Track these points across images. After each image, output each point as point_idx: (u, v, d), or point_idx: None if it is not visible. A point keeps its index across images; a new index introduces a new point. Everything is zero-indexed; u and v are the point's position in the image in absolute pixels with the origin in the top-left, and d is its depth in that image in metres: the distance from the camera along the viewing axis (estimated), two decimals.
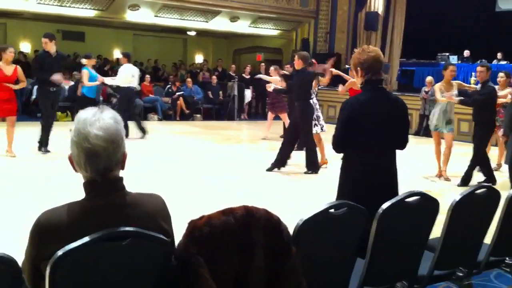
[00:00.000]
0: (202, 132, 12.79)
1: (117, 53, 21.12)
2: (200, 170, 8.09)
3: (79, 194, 1.88)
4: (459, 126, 13.32)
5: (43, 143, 8.67)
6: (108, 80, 11.40)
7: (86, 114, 1.84)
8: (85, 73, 10.49)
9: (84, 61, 10.90)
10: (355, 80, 9.79)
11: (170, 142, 11.15)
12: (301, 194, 6.68)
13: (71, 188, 6.75)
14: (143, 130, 11.18)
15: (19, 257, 1.74)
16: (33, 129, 8.75)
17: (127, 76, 11.12)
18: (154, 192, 2.04)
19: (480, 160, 7.52)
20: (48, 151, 8.66)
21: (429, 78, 13.64)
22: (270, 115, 11.64)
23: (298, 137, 8.10)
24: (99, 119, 1.81)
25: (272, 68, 11.01)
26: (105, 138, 1.79)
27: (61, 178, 7.05)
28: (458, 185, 7.36)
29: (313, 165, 7.93)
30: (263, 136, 11.75)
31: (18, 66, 8.33)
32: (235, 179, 7.58)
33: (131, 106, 11.45)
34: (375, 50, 3.36)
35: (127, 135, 11.01)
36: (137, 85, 11.65)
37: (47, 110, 8.68)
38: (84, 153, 1.79)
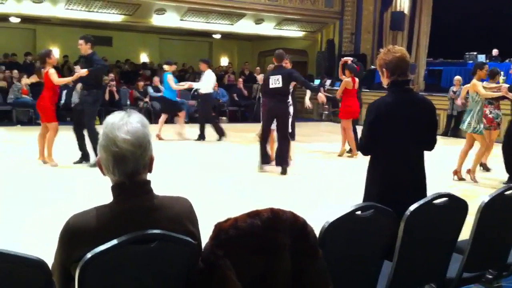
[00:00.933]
0: (227, 135, 12.78)
1: (143, 57, 21.35)
2: (213, 170, 8.16)
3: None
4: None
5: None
6: (195, 85, 11.99)
7: (114, 118, 1.86)
8: (170, 78, 11.39)
9: (166, 67, 11.72)
10: (348, 80, 10.00)
11: (194, 144, 11.22)
12: (301, 195, 6.64)
13: (71, 188, 6.85)
14: (221, 132, 11.67)
15: None
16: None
17: (211, 82, 11.69)
18: (176, 194, 2.07)
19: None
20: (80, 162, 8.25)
21: (457, 77, 13.44)
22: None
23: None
24: (127, 123, 1.83)
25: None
26: (133, 142, 1.81)
27: (62, 178, 7.15)
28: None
29: (283, 160, 8.01)
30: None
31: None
32: (235, 179, 7.59)
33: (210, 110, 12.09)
34: (400, 50, 3.32)
35: (203, 138, 11.42)
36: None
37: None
38: (112, 156, 1.82)
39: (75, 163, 8.19)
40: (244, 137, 12.32)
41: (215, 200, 6.03)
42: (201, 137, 11.60)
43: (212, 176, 7.74)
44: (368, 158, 3.48)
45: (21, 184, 6.78)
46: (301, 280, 2.02)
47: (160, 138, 11.26)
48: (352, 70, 9.75)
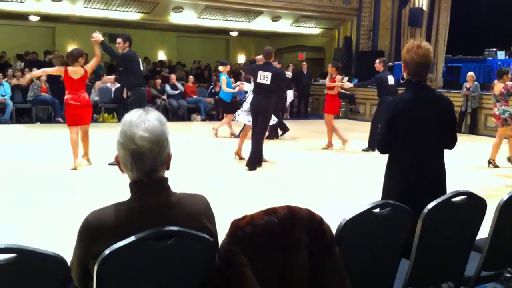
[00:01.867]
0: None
1: (161, 55, 21.43)
2: (215, 170, 8.09)
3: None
4: (486, 121, 13.21)
5: None
6: (247, 87, 11.98)
7: (132, 116, 1.87)
8: (223, 79, 11.32)
9: (221, 68, 11.66)
10: (340, 77, 10.26)
11: (210, 141, 11.23)
12: (301, 195, 6.55)
13: (71, 188, 6.81)
14: (285, 129, 11.73)
15: None
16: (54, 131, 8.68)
17: None
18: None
19: None
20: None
21: (470, 74, 13.35)
22: None
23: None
24: (145, 120, 1.85)
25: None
26: (150, 139, 1.82)
27: (62, 178, 7.10)
28: None
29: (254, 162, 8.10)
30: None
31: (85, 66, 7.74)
32: (236, 179, 7.53)
33: None
34: (423, 54, 3.22)
35: (287, 129, 11.70)
36: None
37: None
38: (130, 154, 1.83)
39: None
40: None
41: (214, 199, 5.95)
42: (284, 129, 11.79)
43: (212, 175, 7.66)
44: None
45: (21, 184, 6.74)
46: (318, 277, 2.02)
47: (235, 136, 11.32)
48: (338, 68, 10.40)
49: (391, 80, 10.01)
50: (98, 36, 7.89)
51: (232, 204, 5.78)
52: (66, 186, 6.70)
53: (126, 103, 8.23)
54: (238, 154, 8.81)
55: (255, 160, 8.09)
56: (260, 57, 8.43)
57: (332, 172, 8.25)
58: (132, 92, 8.21)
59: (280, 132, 11.85)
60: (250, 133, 8.45)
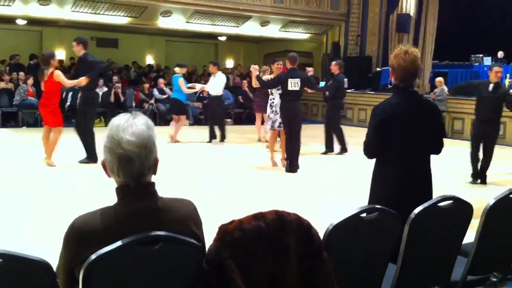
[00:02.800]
0: (231, 137, 12.70)
1: (149, 59, 21.37)
2: (212, 172, 8.17)
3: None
4: (453, 124, 13.55)
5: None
6: (206, 88, 11.97)
7: (119, 120, 1.86)
8: (181, 81, 11.38)
9: (177, 69, 11.70)
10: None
11: (198, 146, 11.22)
12: (300, 195, 6.62)
13: (71, 188, 6.85)
14: (223, 136, 11.67)
15: None
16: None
17: (220, 84, 11.68)
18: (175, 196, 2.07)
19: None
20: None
21: (438, 79, 13.82)
22: (258, 115, 11.91)
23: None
24: (132, 125, 1.84)
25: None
26: (138, 143, 1.81)
27: (62, 179, 7.16)
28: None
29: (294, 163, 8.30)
30: (258, 138, 12.03)
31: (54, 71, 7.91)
32: (233, 181, 7.59)
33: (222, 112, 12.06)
34: (410, 60, 3.23)
35: (215, 137, 11.50)
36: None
37: None
38: (117, 158, 1.82)
39: (80, 162, 8.23)
40: (247, 138, 12.34)
41: (212, 202, 5.98)
42: (212, 137, 11.67)
43: (210, 177, 7.73)
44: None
45: (21, 184, 6.77)
46: (308, 281, 2.02)
47: (176, 141, 11.23)
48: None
49: (346, 82, 10.31)
50: (82, 79, 8.06)
51: (229, 205, 5.85)
52: (66, 186, 6.74)
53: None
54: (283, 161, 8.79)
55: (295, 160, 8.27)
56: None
57: (330, 174, 8.34)
58: (87, 94, 8.31)
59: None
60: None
